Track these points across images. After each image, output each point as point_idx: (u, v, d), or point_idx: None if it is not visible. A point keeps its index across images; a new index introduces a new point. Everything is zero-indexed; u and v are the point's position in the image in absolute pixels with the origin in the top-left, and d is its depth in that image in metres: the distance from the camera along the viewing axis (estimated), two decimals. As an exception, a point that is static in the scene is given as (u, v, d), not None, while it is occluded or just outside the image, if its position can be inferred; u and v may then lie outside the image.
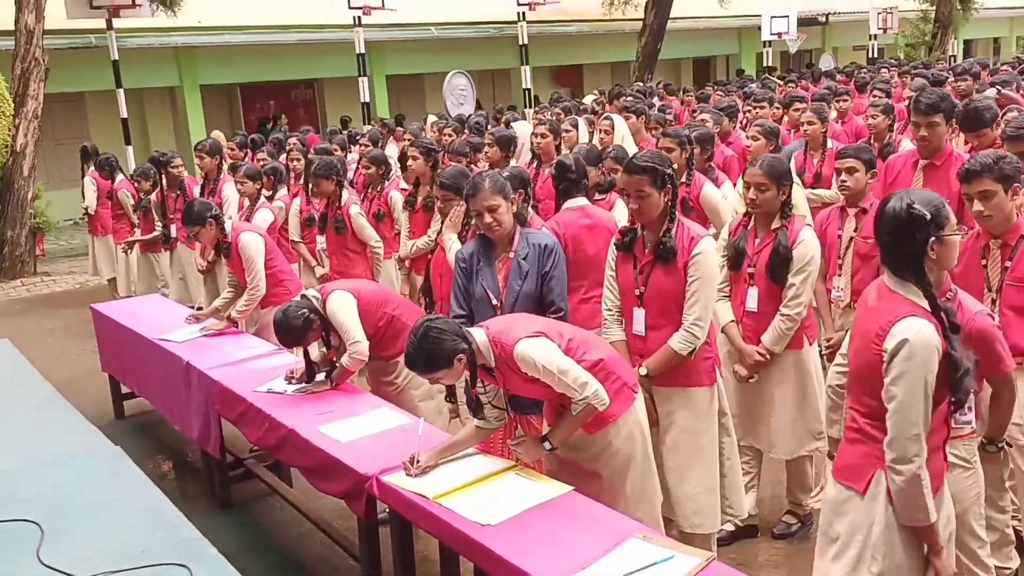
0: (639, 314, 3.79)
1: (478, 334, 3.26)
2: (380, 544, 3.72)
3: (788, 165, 4.08)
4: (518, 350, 3.17)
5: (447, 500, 3.13)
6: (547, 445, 3.32)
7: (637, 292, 3.78)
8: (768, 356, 4.04)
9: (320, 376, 4.45)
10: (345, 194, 6.43)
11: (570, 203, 4.54)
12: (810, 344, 4.12)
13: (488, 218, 3.83)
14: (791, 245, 3.93)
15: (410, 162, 6.30)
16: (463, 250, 4.06)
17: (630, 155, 4.64)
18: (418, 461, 3.33)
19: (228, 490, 5.10)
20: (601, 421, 3.31)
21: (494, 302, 3.87)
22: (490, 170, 5.00)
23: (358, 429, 3.88)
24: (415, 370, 3.27)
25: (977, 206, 3.40)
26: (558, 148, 6.51)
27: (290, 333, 4.29)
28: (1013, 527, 3.74)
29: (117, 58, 13.55)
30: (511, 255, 3.89)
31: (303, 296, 4.46)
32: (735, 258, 4.12)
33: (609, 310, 3.92)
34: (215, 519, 4.86)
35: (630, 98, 9.94)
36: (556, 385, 3.19)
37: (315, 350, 4.52)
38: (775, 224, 4.00)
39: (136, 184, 8.28)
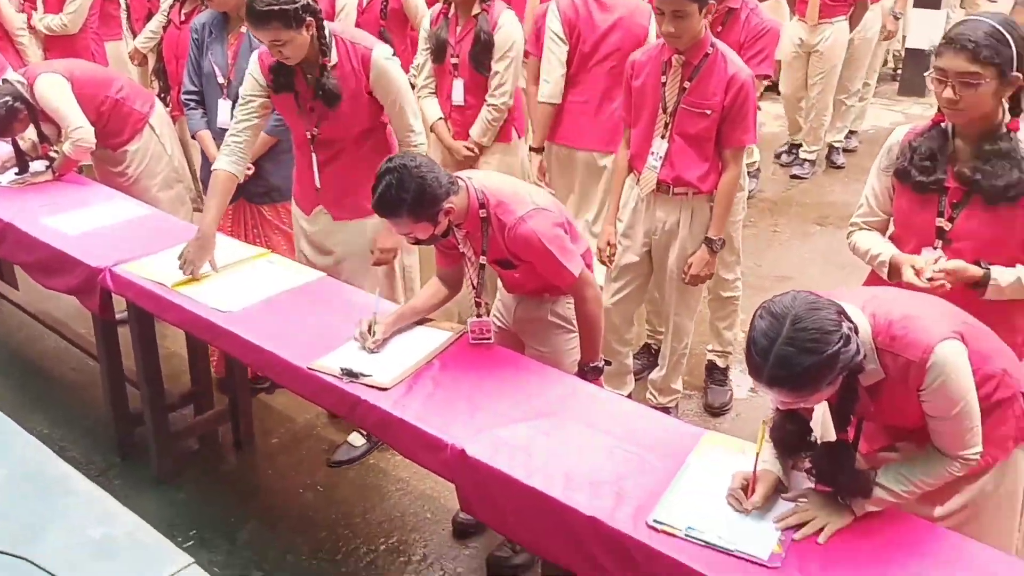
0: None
1: None
2: (120, 341, 3.52)
3: None
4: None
5: (188, 288, 2.98)
6: None
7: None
8: (477, 150, 4.00)
9: (39, 165, 4.00)
10: None
11: None
12: (519, 137, 4.12)
13: None
14: (492, 31, 3.83)
15: None
16: (197, 20, 3.71)
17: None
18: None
19: (-60, 296, 4.62)
20: None
21: (220, 80, 3.62)
22: None
23: (88, 221, 3.56)
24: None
25: (667, 25, 3.08)
26: None
27: None
28: (711, 359, 4.08)
29: None
30: (244, 30, 3.58)
31: (5, 81, 3.91)
32: (437, 49, 3.96)
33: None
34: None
35: None
36: None
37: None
38: (475, 10, 3.85)
39: None
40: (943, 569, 1.81)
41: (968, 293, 2.26)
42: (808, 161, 6.63)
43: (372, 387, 2.46)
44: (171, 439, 3.47)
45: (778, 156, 6.82)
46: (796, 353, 1.71)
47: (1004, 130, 2.27)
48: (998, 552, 1.90)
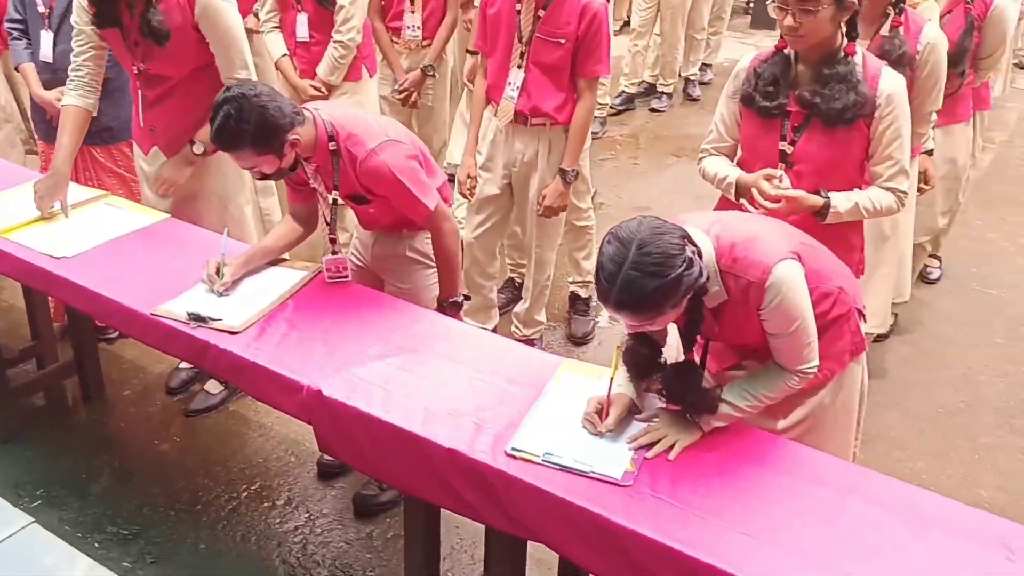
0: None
1: None
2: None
3: None
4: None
5: (19, 234, 2.79)
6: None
7: None
8: (325, 89, 3.86)
9: None
10: None
11: None
12: (370, 75, 4.01)
13: None
14: None
15: None
16: None
17: None
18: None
19: None
20: None
21: (41, 9, 3.40)
22: None
23: (-98, 166, 3.29)
24: None
25: None
26: None
27: None
28: (573, 290, 4.10)
29: None
30: None
31: None
32: None
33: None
34: None
35: None
36: None
37: None
38: None
39: None
40: (784, 476, 1.89)
41: (808, 215, 2.35)
42: (665, 95, 6.72)
43: (222, 331, 2.37)
44: (12, 396, 3.27)
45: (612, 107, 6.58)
46: (641, 277, 1.73)
47: (842, 54, 2.34)
48: (835, 459, 2.01)
